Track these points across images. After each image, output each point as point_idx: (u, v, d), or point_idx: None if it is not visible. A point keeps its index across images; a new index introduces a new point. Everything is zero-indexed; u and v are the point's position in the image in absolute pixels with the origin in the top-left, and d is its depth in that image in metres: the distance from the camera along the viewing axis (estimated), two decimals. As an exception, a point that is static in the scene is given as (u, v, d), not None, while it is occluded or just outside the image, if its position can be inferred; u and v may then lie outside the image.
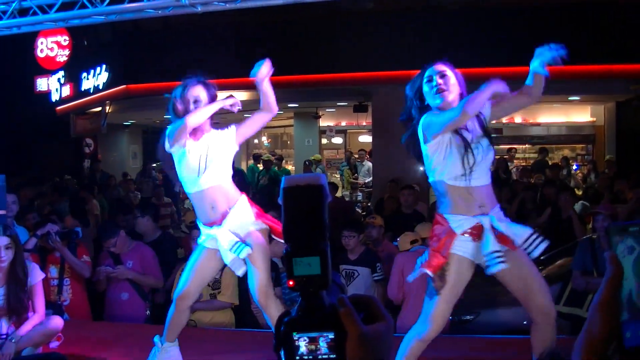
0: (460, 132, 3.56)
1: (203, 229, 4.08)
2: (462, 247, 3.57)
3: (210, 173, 3.99)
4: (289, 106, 16.99)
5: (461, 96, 3.62)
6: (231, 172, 4.13)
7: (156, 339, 4.28)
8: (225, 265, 5.31)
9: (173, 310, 4.16)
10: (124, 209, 8.09)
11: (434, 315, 3.59)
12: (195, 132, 4.04)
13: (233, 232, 3.95)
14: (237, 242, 3.91)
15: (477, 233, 3.54)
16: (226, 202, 4.02)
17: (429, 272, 3.57)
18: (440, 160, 3.58)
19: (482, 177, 3.57)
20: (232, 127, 4.12)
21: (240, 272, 4.02)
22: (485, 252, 3.48)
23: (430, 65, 3.66)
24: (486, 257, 3.48)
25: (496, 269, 3.47)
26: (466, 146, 3.53)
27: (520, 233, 3.51)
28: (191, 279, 4.09)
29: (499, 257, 3.45)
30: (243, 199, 4.10)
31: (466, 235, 3.56)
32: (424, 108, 3.70)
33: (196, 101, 4.01)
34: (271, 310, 3.99)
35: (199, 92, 4.02)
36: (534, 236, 3.48)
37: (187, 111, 3.99)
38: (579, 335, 1.00)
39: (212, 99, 4.06)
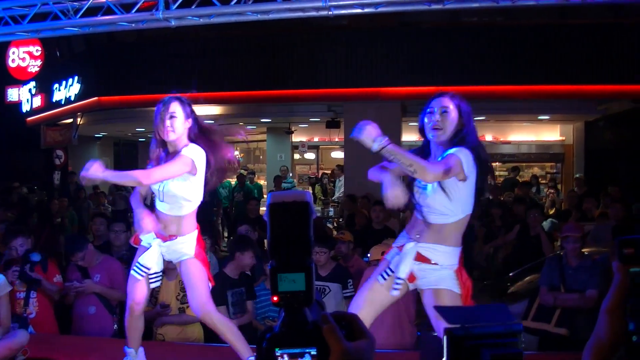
0: None
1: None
2: (390, 254, 3.86)
3: (167, 205, 4.09)
4: (262, 121, 17.01)
5: (461, 131, 3.64)
6: (197, 200, 4.15)
7: (126, 348, 4.34)
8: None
9: (128, 318, 4.29)
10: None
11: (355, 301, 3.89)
12: (170, 151, 4.10)
13: (165, 254, 4.18)
14: (157, 274, 4.20)
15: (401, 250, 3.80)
16: (176, 229, 4.13)
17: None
18: None
19: (428, 214, 3.67)
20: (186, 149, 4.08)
21: (153, 286, 4.29)
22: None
23: (438, 96, 3.68)
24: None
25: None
26: (409, 183, 3.73)
27: (395, 267, 3.72)
28: (138, 285, 4.22)
29: (397, 282, 3.70)
30: (194, 234, 4.19)
31: (396, 249, 3.82)
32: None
33: (172, 117, 4.02)
34: (217, 325, 4.13)
35: (175, 108, 4.04)
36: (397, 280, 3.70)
37: (162, 128, 4.02)
38: (589, 340, 1.04)
39: (188, 115, 4.07)
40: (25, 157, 19.30)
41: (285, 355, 1.04)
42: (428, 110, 3.67)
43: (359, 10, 6.70)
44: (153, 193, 4.18)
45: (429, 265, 3.64)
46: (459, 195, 3.55)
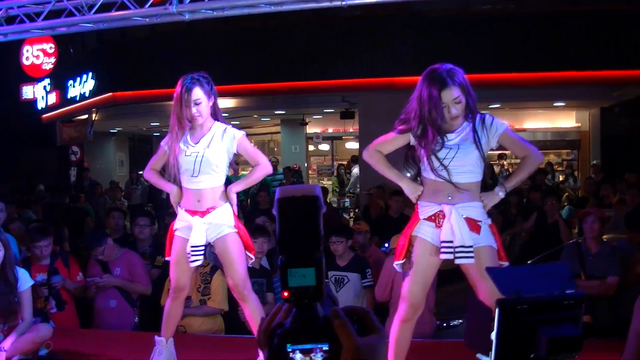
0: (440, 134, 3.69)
1: (183, 214, 4.23)
2: (424, 231, 3.75)
3: (202, 176, 4.16)
4: (276, 113, 17.01)
5: (472, 101, 3.68)
6: (225, 175, 4.26)
7: (156, 337, 4.39)
8: (215, 272, 5.39)
9: (169, 302, 4.35)
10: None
11: (407, 294, 3.76)
12: (194, 131, 4.22)
13: (207, 230, 4.17)
14: (201, 247, 4.15)
15: (438, 219, 3.72)
16: (213, 200, 4.20)
17: (398, 262, 3.84)
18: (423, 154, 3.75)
19: (457, 175, 3.66)
20: (240, 136, 4.23)
21: (192, 264, 4.22)
22: (440, 240, 3.67)
23: (442, 89, 3.64)
24: (440, 245, 3.67)
25: (443, 257, 3.67)
26: (435, 146, 3.68)
27: (460, 235, 3.61)
28: (178, 271, 4.27)
29: (447, 247, 3.62)
30: (229, 205, 4.26)
31: (428, 220, 3.74)
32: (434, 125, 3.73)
33: (197, 104, 4.13)
34: (247, 304, 4.25)
35: (198, 94, 4.13)
36: (450, 245, 3.62)
37: (188, 113, 4.12)
38: (632, 328, 1.04)
39: (209, 95, 4.19)
40: (40, 154, 19.41)
41: (297, 351, 1.04)
42: (442, 106, 3.63)
43: (372, 0, 6.67)
44: (178, 173, 4.22)
45: (475, 222, 3.67)
46: (485, 153, 3.70)
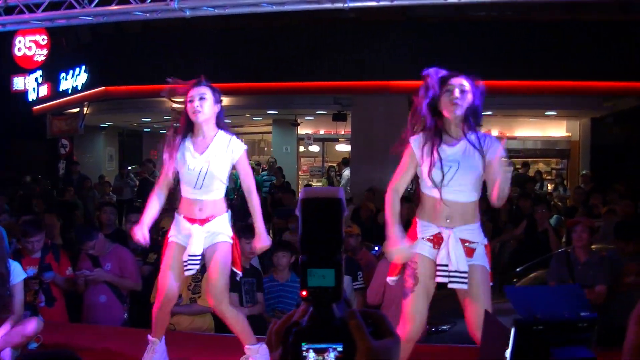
0: (439, 149, 3.69)
1: (181, 221, 4.21)
2: (422, 248, 3.75)
3: (205, 189, 4.15)
4: (268, 113, 17.01)
5: (474, 109, 3.72)
6: (225, 185, 4.26)
7: (150, 336, 4.36)
8: (206, 270, 5.38)
9: (157, 309, 4.27)
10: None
11: (412, 314, 3.75)
12: (197, 139, 4.20)
13: (205, 240, 4.16)
14: (198, 257, 4.15)
15: (437, 241, 3.73)
16: (213, 210, 4.19)
17: (392, 278, 3.88)
18: (423, 171, 3.74)
19: (456, 194, 3.68)
20: (243, 151, 4.26)
21: (187, 273, 4.23)
22: (437, 262, 3.68)
23: (454, 76, 3.71)
24: (436, 267, 3.69)
25: (438, 280, 3.69)
26: (434, 163, 3.67)
27: (456, 261, 3.64)
28: (170, 277, 4.21)
29: (442, 271, 3.65)
30: (227, 216, 4.27)
31: (427, 240, 3.75)
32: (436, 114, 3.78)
33: (201, 98, 4.11)
34: (226, 314, 4.18)
35: (205, 90, 4.13)
36: (446, 269, 3.64)
37: (190, 108, 4.11)
38: (626, 340, 1.05)
39: (217, 100, 4.20)
40: (30, 146, 19.32)
41: (311, 350, 1.04)
42: (447, 88, 3.69)
43: (374, 4, 6.69)
44: (180, 183, 4.24)
45: (471, 245, 3.70)
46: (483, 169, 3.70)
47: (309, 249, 1.07)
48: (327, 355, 1.04)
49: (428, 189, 3.73)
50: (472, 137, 3.72)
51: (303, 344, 1.04)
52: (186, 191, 4.20)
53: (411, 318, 3.73)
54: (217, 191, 4.20)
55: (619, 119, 14.22)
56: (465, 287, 3.63)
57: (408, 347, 3.77)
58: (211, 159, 4.13)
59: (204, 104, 4.10)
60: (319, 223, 1.07)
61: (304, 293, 1.06)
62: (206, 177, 4.11)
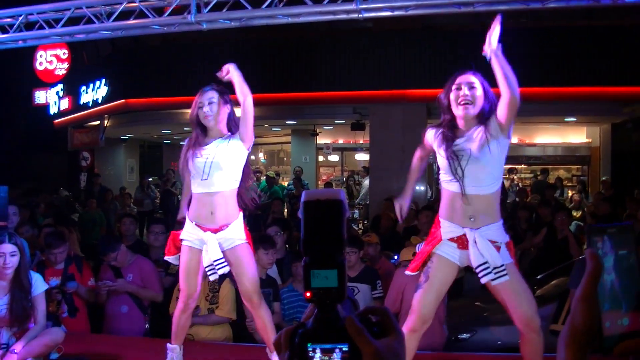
0: (451, 140, 3.77)
1: (193, 228, 4.25)
2: (444, 250, 3.80)
3: (212, 180, 4.18)
4: (287, 123, 17.05)
5: (489, 107, 3.75)
6: (237, 182, 4.29)
7: (169, 345, 4.43)
8: (223, 280, 5.40)
9: (178, 313, 4.37)
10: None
11: (418, 306, 3.82)
12: (205, 139, 4.27)
13: (220, 244, 4.20)
14: (221, 259, 4.17)
15: (461, 242, 3.76)
16: (225, 215, 4.23)
17: (410, 272, 3.99)
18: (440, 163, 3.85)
19: (476, 187, 3.71)
20: (236, 137, 4.28)
21: (212, 277, 4.31)
22: (474, 265, 3.70)
23: (462, 73, 3.76)
24: (476, 270, 3.70)
25: (484, 281, 3.70)
26: (448, 152, 3.77)
27: (491, 258, 3.66)
28: (188, 279, 4.30)
29: (486, 269, 3.65)
30: (241, 217, 4.31)
31: (451, 242, 3.79)
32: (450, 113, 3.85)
33: (210, 103, 4.22)
34: (260, 312, 4.30)
35: (212, 94, 4.24)
36: (488, 266, 3.65)
37: (201, 114, 4.22)
38: (564, 327, 1.06)
39: (226, 101, 4.30)
40: (51, 159, 19.52)
41: (317, 350, 1.05)
42: (455, 86, 3.73)
43: (388, 13, 6.70)
44: (189, 175, 4.28)
45: (495, 245, 3.72)
46: (503, 156, 3.75)
47: (311, 250, 1.08)
48: (333, 355, 1.05)
49: (447, 183, 3.79)
50: (484, 123, 3.76)
51: (309, 344, 1.05)
52: (195, 186, 4.24)
53: (417, 309, 3.81)
54: (225, 184, 4.22)
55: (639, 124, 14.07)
56: (508, 278, 3.64)
57: (414, 338, 3.84)
58: (218, 150, 4.20)
59: (214, 107, 4.22)
60: (321, 224, 1.08)
61: (308, 294, 1.07)
62: (212, 166, 4.15)
